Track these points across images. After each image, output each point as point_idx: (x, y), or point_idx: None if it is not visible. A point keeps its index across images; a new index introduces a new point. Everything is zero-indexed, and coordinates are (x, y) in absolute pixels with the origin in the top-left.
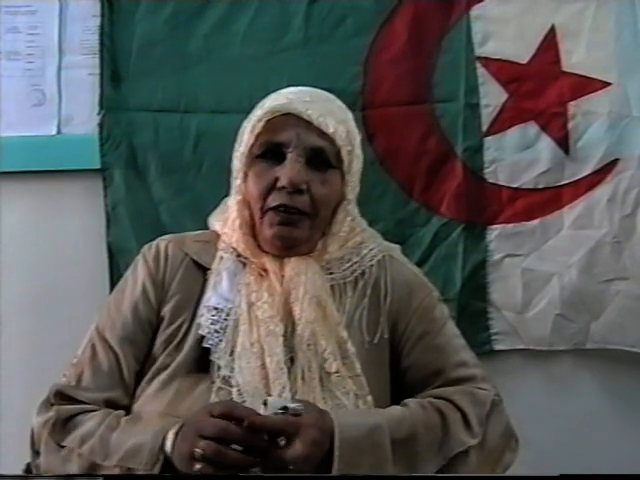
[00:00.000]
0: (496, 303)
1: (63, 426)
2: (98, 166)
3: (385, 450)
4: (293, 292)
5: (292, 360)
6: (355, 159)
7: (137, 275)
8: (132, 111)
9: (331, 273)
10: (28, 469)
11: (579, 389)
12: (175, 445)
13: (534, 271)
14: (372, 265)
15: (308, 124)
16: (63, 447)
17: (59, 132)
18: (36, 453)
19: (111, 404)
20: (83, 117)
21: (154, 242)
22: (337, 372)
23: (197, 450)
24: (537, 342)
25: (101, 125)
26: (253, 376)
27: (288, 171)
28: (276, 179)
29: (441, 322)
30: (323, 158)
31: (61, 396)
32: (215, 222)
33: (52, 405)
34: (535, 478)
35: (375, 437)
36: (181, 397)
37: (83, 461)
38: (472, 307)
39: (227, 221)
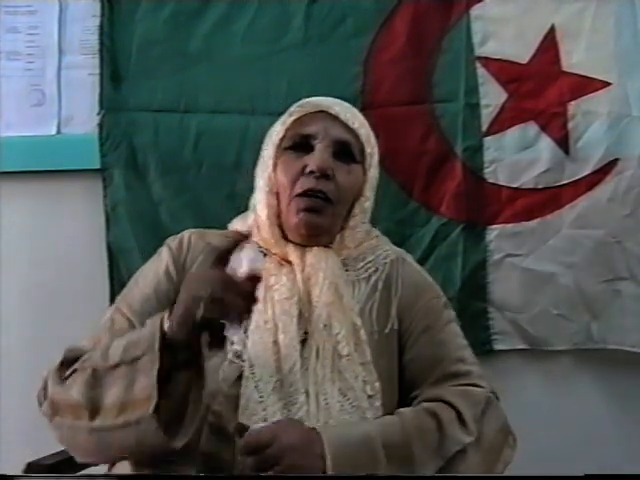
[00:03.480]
0: (496, 303)
1: (68, 365)
2: (98, 166)
3: (377, 456)
4: (313, 277)
5: (305, 341)
6: (374, 164)
7: (161, 259)
8: (132, 111)
9: (347, 270)
10: (28, 469)
11: (579, 389)
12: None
13: (534, 271)
14: (385, 263)
15: (335, 119)
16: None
17: (59, 132)
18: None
19: None
20: (83, 117)
21: (178, 234)
22: (349, 355)
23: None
24: (537, 342)
25: (101, 125)
26: (265, 351)
27: (316, 158)
28: (304, 166)
29: (446, 320)
30: (348, 151)
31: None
32: (235, 224)
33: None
34: (559, 478)
35: (366, 445)
36: None
37: (84, 375)
38: (472, 307)
39: (247, 221)
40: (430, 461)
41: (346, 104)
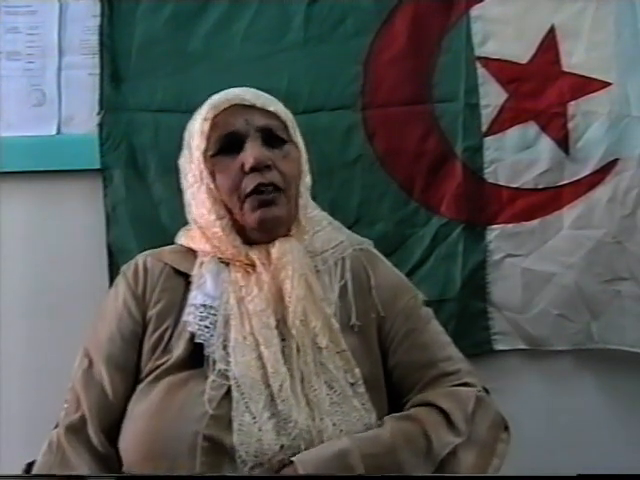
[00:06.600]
0: (496, 303)
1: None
2: (98, 166)
3: (354, 468)
4: (282, 272)
5: (284, 340)
6: (299, 135)
7: (118, 291)
8: (132, 111)
9: (310, 257)
10: (28, 469)
11: (579, 389)
12: None
13: (534, 271)
14: (346, 257)
15: (251, 108)
16: None
17: (59, 132)
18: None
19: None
20: (83, 117)
21: (132, 260)
22: (327, 347)
23: None
24: (537, 342)
25: (101, 125)
26: (249, 368)
27: (250, 153)
28: (242, 165)
29: (426, 320)
30: (275, 135)
31: (70, 430)
32: (181, 239)
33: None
34: (552, 478)
35: (341, 458)
36: (173, 391)
37: None
38: (472, 307)
39: (193, 236)
40: (420, 467)
41: (252, 89)
